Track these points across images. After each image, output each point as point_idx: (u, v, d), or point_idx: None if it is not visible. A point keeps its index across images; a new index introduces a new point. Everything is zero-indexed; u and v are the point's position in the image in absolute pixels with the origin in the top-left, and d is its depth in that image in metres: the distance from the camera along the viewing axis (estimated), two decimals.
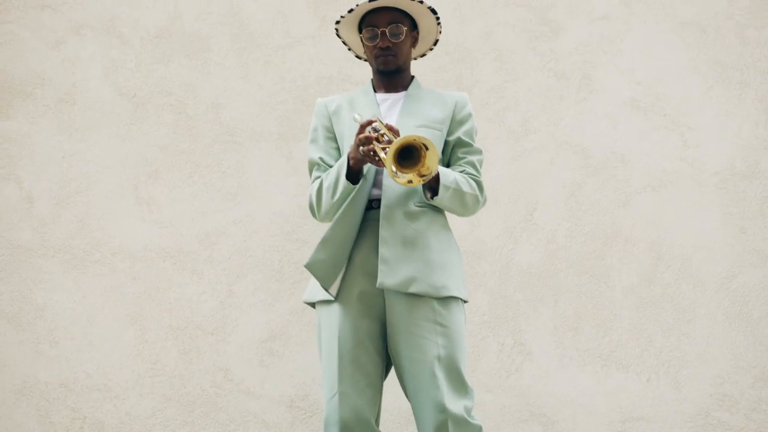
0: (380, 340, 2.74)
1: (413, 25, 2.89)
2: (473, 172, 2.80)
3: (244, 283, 3.74)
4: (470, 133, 2.84)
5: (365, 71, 3.83)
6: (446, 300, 2.70)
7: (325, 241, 2.69)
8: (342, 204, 2.69)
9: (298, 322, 3.72)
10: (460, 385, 2.67)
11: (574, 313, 3.74)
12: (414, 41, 2.90)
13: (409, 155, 2.54)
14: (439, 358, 2.64)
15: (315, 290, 2.77)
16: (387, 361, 2.79)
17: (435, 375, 2.63)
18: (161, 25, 3.88)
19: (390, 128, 2.64)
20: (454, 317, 2.70)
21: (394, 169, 2.51)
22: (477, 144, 2.86)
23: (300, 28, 3.88)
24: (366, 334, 2.71)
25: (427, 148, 2.51)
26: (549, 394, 3.69)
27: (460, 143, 2.82)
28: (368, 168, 2.72)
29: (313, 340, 3.69)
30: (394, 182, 2.63)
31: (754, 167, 3.81)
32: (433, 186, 2.69)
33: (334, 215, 2.72)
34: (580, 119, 3.84)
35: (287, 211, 3.78)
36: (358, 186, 2.68)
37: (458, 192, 2.71)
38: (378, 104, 2.85)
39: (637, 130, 3.84)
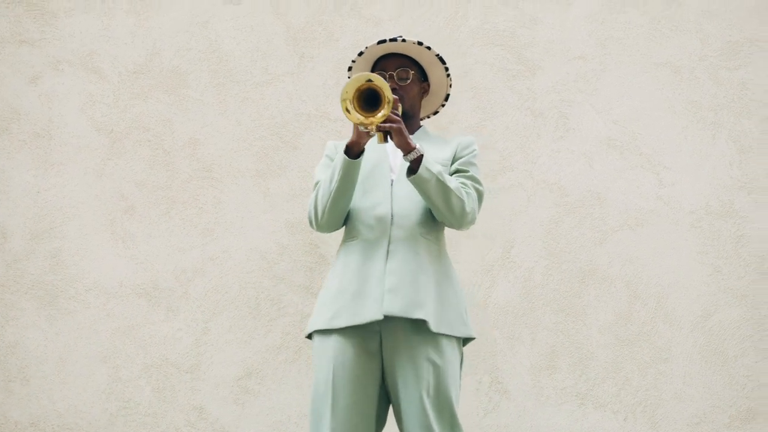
0: (378, 374, 2.71)
1: (424, 77, 2.94)
2: (468, 183, 2.79)
3: (219, 320, 3.71)
4: (468, 162, 2.84)
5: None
6: (443, 336, 2.69)
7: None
8: (340, 187, 2.68)
9: (274, 359, 3.69)
10: (450, 424, 2.65)
11: (551, 351, 3.73)
12: (424, 92, 2.95)
13: (375, 103, 2.54)
14: (428, 394, 2.62)
15: (315, 319, 2.76)
16: (386, 396, 2.76)
17: (426, 413, 2.60)
18: (139, 61, 3.87)
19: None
20: (449, 355, 2.68)
21: (349, 107, 2.52)
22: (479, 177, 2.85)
23: (278, 65, 3.89)
24: (361, 368, 2.68)
25: (388, 101, 2.52)
26: None
27: (458, 170, 2.84)
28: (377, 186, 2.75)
29: (290, 378, 3.66)
30: (405, 212, 2.68)
31: (728, 206, 3.85)
32: (414, 168, 2.68)
33: (334, 207, 2.71)
34: (556, 158, 3.87)
35: (264, 248, 3.76)
36: (356, 160, 2.67)
37: (442, 184, 2.68)
38: (386, 147, 2.87)
39: (613, 169, 3.87)
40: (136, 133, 3.83)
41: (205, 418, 3.65)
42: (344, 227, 2.84)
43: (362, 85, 2.56)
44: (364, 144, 2.70)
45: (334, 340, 2.69)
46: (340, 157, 2.69)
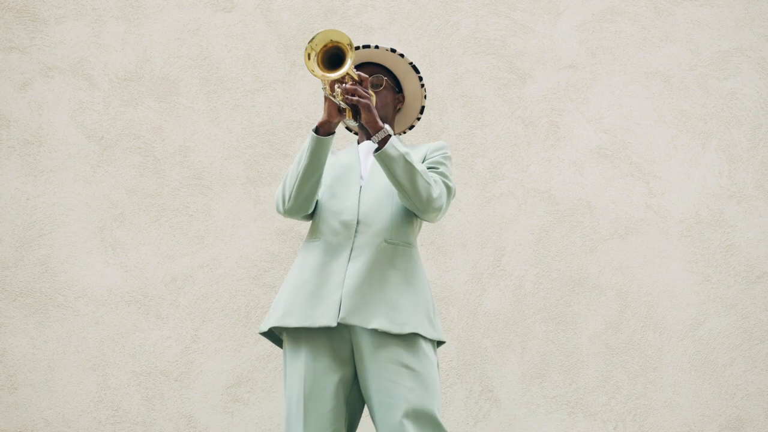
0: (350, 381, 2.70)
1: (399, 89, 2.94)
2: (437, 178, 2.76)
3: (209, 327, 3.70)
4: (437, 161, 2.81)
5: None
6: (411, 339, 2.66)
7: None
8: (308, 165, 2.68)
9: (264, 367, 3.67)
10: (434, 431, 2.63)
11: (542, 359, 3.73)
12: (398, 103, 2.94)
13: (339, 62, 2.55)
14: (408, 405, 2.61)
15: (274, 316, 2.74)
16: (359, 402, 2.74)
17: (403, 425, 2.59)
18: (130, 68, 3.87)
19: (359, 76, 2.67)
20: (421, 358, 2.65)
21: (311, 55, 2.53)
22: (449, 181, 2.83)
23: (269, 73, 3.89)
24: (333, 375, 2.67)
25: (350, 57, 2.52)
26: None
27: (428, 167, 2.81)
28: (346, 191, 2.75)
29: (280, 386, 3.65)
30: (370, 220, 2.67)
31: (718, 216, 3.86)
32: (380, 147, 2.67)
33: (301, 188, 2.70)
34: (547, 166, 3.87)
35: (254, 256, 3.75)
36: (325, 138, 2.67)
37: (408, 164, 2.65)
38: (358, 150, 2.87)
39: (603, 178, 3.88)
40: (127, 141, 3.82)
41: (194, 427, 3.63)
42: (310, 225, 2.84)
43: (330, 43, 2.56)
44: (335, 124, 2.71)
45: (305, 347, 2.68)
46: (309, 136, 2.70)
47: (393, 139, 2.66)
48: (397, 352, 2.63)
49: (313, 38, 2.56)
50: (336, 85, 2.63)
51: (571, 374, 3.72)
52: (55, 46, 3.86)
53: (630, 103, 3.93)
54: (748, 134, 3.91)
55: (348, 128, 3.05)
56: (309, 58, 2.55)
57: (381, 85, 2.86)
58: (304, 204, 2.75)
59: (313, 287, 2.67)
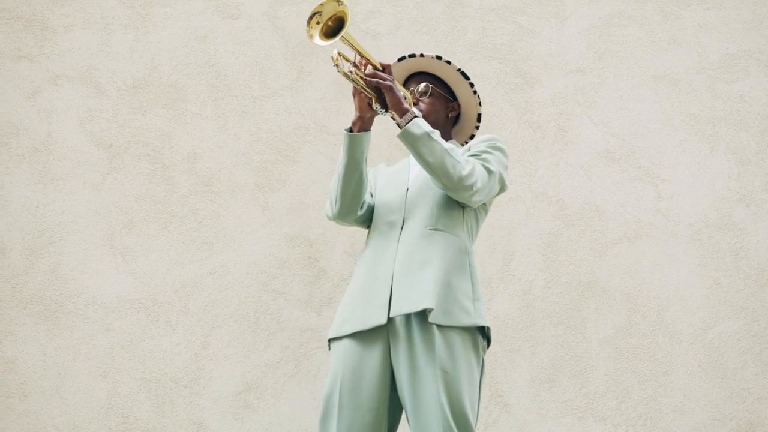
0: (388, 380, 2.64)
1: (452, 98, 2.87)
2: (480, 158, 2.68)
3: (219, 334, 3.70)
4: (482, 150, 2.73)
5: (342, 122, 3.85)
6: (448, 332, 2.58)
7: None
8: (347, 164, 2.64)
9: (273, 374, 3.68)
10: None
11: (551, 364, 3.72)
12: (452, 111, 2.86)
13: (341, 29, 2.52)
14: (441, 402, 2.52)
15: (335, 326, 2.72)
16: (397, 403, 2.68)
17: (443, 418, 2.51)
18: (138, 76, 3.88)
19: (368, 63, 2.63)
20: (457, 357, 2.56)
21: (311, 29, 2.51)
22: (495, 167, 2.72)
23: (277, 79, 3.90)
24: (371, 374, 2.62)
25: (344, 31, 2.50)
26: None
27: (472, 155, 2.75)
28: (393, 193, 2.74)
29: (289, 392, 3.65)
30: (414, 216, 2.66)
31: (727, 219, 3.85)
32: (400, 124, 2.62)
33: (345, 189, 2.67)
34: (555, 170, 3.87)
35: (263, 262, 3.76)
36: (358, 134, 2.63)
37: (433, 142, 2.57)
38: (408, 161, 2.85)
39: (611, 182, 3.87)
40: (135, 148, 3.83)
41: None
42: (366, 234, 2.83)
43: (336, 14, 2.54)
44: (368, 120, 2.66)
45: (342, 347, 2.67)
46: (343, 136, 2.67)
47: (418, 119, 2.60)
48: (436, 352, 2.54)
49: (322, 8, 2.53)
50: (353, 69, 2.60)
51: (581, 379, 3.71)
52: (63, 54, 3.88)
53: (638, 106, 3.92)
54: (757, 137, 3.90)
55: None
56: (309, 22, 2.52)
57: (428, 93, 2.80)
58: (352, 205, 2.72)
59: (365, 291, 2.65)
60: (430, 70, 2.84)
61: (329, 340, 2.73)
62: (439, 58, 2.81)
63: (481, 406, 3.68)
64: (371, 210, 2.79)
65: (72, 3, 3.94)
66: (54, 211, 3.77)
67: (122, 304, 3.71)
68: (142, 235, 3.76)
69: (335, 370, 2.65)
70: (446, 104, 2.86)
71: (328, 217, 2.77)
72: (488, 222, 3.81)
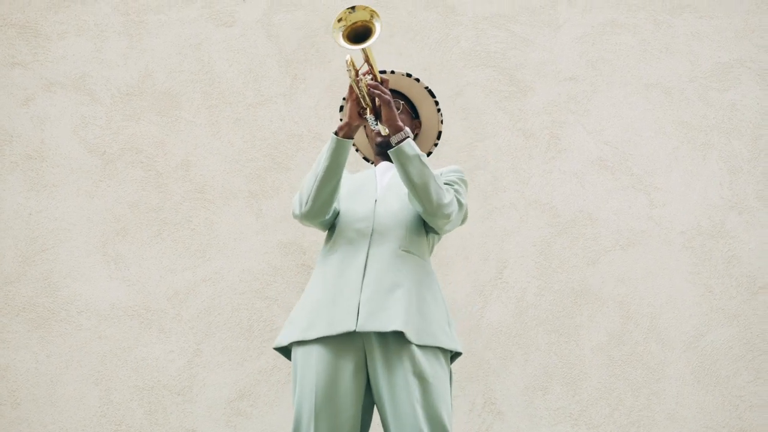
0: (365, 388, 2.67)
1: (415, 115, 2.94)
2: (453, 188, 2.76)
3: (212, 341, 3.70)
4: (452, 180, 2.81)
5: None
6: (427, 349, 2.65)
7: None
8: (328, 167, 2.67)
9: (267, 381, 3.67)
10: None
11: (544, 371, 3.73)
12: (415, 129, 2.93)
13: (364, 37, 2.57)
14: (420, 416, 2.58)
15: (289, 331, 2.72)
16: (371, 407, 2.72)
17: (421, 426, 2.57)
18: (132, 83, 3.88)
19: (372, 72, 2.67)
20: (436, 369, 2.64)
21: (344, 23, 2.56)
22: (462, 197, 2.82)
23: (271, 87, 3.90)
24: (347, 382, 2.64)
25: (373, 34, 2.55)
26: None
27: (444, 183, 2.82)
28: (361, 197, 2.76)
29: (282, 400, 3.64)
30: (385, 230, 2.68)
31: (719, 227, 3.86)
32: (392, 144, 2.67)
33: (320, 191, 2.68)
34: (548, 178, 3.88)
35: (256, 269, 3.76)
36: (345, 140, 2.66)
37: (423, 165, 2.64)
38: (375, 172, 2.88)
39: (604, 189, 3.88)
40: (129, 155, 3.83)
41: None
42: (324, 238, 2.84)
43: (360, 22, 2.58)
44: (354, 128, 2.70)
45: (314, 354, 2.67)
46: (330, 139, 2.70)
47: (410, 140, 2.66)
48: (413, 362, 2.62)
49: (351, 11, 2.58)
50: (361, 76, 2.63)
51: (574, 386, 3.72)
52: (57, 61, 3.88)
53: (631, 114, 3.94)
54: (749, 145, 3.92)
55: (366, 158, 3.05)
56: (338, 24, 2.57)
57: (398, 110, 2.85)
58: (322, 208, 2.74)
59: (332, 296, 2.67)
60: (397, 87, 2.90)
61: (293, 344, 2.72)
62: (408, 75, 2.87)
63: (474, 413, 3.68)
64: (336, 215, 2.81)
65: (66, 10, 3.94)
66: (47, 218, 3.76)
67: (115, 311, 3.70)
68: (136, 242, 3.76)
69: (308, 380, 2.65)
70: (411, 121, 2.92)
71: (294, 215, 2.78)
72: (481, 230, 3.81)
